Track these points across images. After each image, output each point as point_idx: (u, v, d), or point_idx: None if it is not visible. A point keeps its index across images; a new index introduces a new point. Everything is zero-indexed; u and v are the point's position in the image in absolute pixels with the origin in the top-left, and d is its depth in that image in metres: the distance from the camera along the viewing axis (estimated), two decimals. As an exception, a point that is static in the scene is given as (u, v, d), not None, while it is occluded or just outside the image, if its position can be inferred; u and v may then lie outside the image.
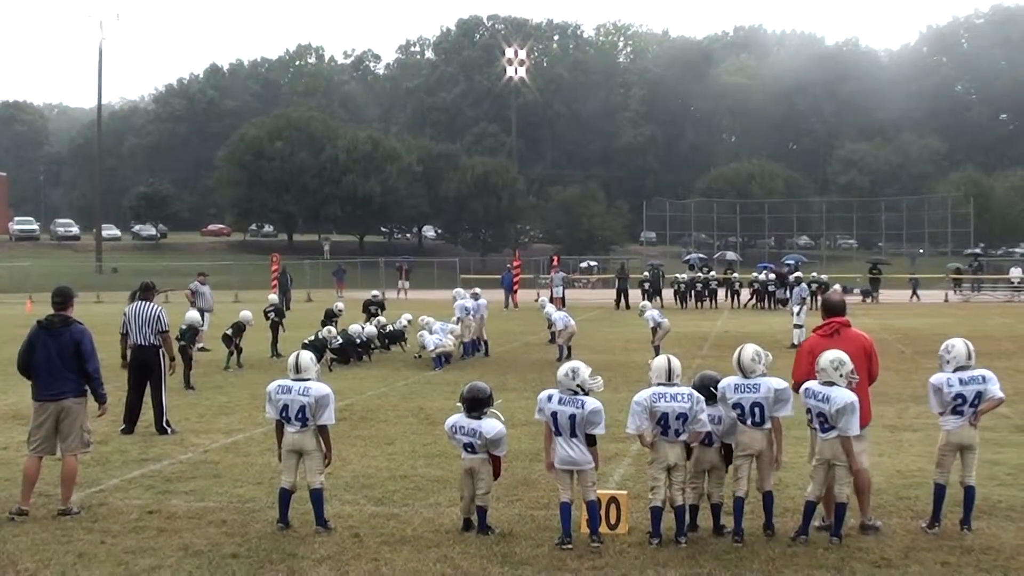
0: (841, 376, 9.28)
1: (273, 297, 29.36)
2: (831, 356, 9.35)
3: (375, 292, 35.64)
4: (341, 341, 24.54)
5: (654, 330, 25.81)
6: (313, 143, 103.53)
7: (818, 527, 9.69)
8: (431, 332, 25.04)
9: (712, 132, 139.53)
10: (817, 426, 9.34)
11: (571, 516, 9.27)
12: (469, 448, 9.67)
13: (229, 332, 24.21)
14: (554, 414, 9.26)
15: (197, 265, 57.60)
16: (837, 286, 51.97)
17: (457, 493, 10.43)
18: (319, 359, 18.80)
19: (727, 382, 9.69)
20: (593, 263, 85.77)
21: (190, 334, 21.06)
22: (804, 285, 33.52)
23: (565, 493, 9.26)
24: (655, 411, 9.28)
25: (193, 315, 22.44)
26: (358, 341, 25.48)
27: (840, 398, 9.21)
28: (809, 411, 9.37)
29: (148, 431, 15.34)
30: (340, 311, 28.86)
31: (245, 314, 24.81)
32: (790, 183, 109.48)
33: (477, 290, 28.14)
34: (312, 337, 23.93)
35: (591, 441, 9.28)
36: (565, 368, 9.42)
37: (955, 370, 9.71)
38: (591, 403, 9.25)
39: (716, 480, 9.77)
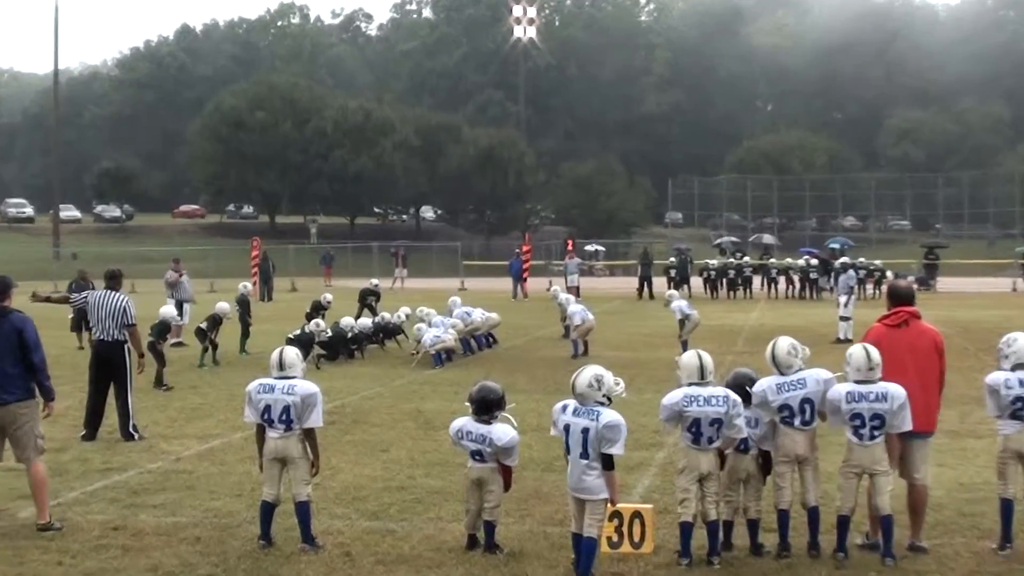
0: (872, 370, 9.31)
1: (246, 286, 29.23)
2: (865, 354, 9.35)
3: (374, 281, 35.66)
4: (330, 335, 24.53)
5: (681, 323, 25.76)
6: (297, 114, 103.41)
7: (860, 545, 9.67)
8: (430, 325, 25.01)
9: (745, 99, 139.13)
10: (867, 432, 9.28)
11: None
12: (477, 456, 9.62)
13: (203, 326, 24.22)
14: (567, 427, 8.91)
15: (168, 251, 57.77)
16: (889, 273, 52.06)
17: (461, 507, 10.39)
18: (305, 355, 18.84)
19: (766, 384, 9.63)
20: (599, 247, 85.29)
21: (159, 330, 21.05)
22: (851, 272, 33.47)
23: (575, 522, 8.99)
24: (685, 416, 9.21)
25: (167, 311, 22.43)
26: (349, 335, 25.47)
27: (899, 391, 9.23)
28: (856, 417, 9.28)
29: (112, 437, 15.32)
30: (328, 303, 28.85)
31: (222, 306, 24.81)
32: (834, 156, 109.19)
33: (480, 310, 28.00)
34: (298, 331, 23.92)
35: (607, 463, 8.78)
36: (587, 376, 8.92)
37: (1014, 368, 9.64)
38: (608, 415, 8.76)
39: (753, 491, 9.71)
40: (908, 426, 9.29)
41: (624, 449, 8.88)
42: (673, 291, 29.98)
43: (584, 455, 8.77)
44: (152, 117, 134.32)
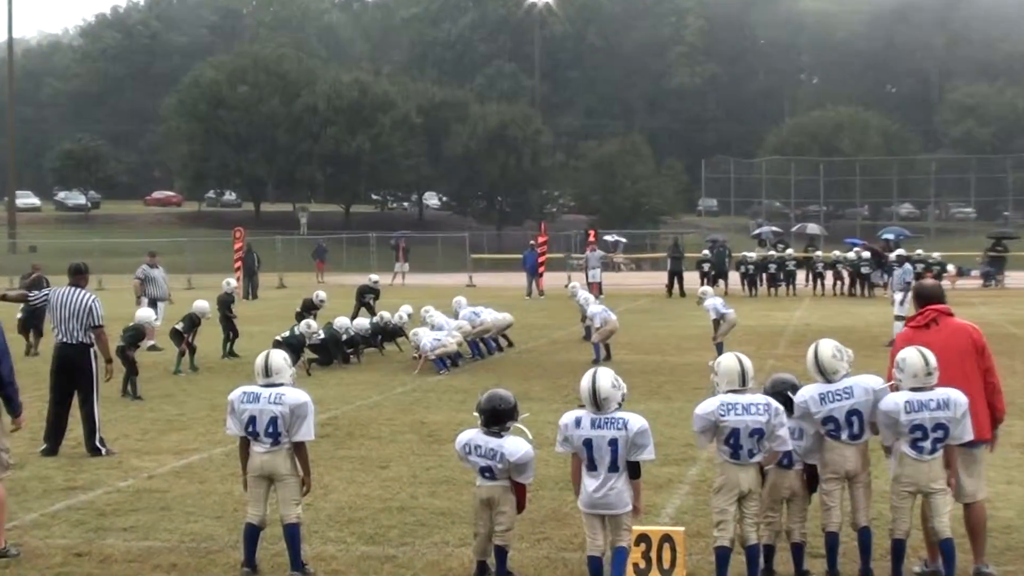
0: (929, 375, 9.30)
1: (229, 282, 29.25)
2: (920, 358, 9.32)
3: (372, 276, 35.66)
4: (323, 337, 24.54)
5: (716, 323, 25.74)
6: (286, 88, 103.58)
7: (919, 573, 9.67)
8: (432, 328, 24.97)
9: (788, 72, 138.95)
10: (928, 445, 9.26)
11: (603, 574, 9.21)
12: (487, 473, 9.60)
13: (180, 327, 24.23)
14: (588, 442, 9.07)
15: (140, 244, 57.94)
16: (951, 267, 51.96)
17: (469, 530, 10.38)
18: (295, 360, 18.85)
19: (808, 394, 9.61)
20: (620, 238, 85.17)
21: (132, 335, 21.03)
22: (908, 266, 33.26)
23: (595, 544, 9.11)
24: (723, 427, 9.20)
25: (145, 314, 22.45)
26: (344, 337, 25.48)
27: (960, 397, 9.24)
28: (917, 428, 9.26)
29: (76, 452, 15.34)
30: (321, 302, 28.86)
31: (200, 304, 24.79)
32: (888, 136, 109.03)
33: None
34: (286, 333, 23.93)
35: (634, 472, 9.14)
36: (608, 377, 9.18)
37: None
38: (636, 420, 9.08)
39: (798, 512, 9.69)
40: (970, 435, 9.29)
41: (655, 454, 9.25)
42: (707, 287, 29.99)
43: (614, 468, 9.01)
44: (121, 92, 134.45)
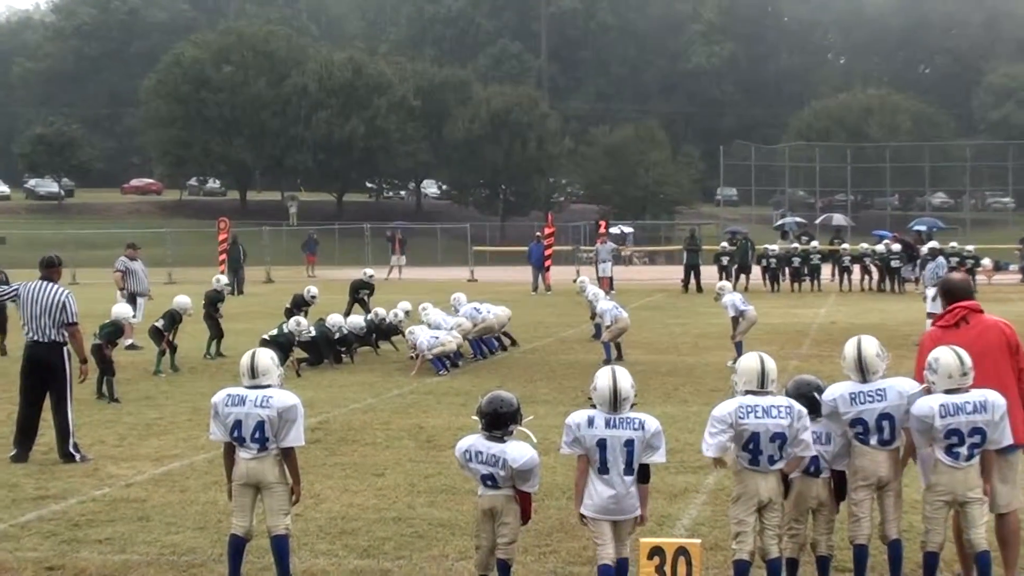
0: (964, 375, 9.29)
1: (220, 279, 29.28)
2: (955, 358, 9.31)
3: (367, 271, 35.62)
4: (314, 335, 24.54)
5: (735, 321, 25.71)
6: (274, 68, 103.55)
7: (952, 588, 9.67)
8: (430, 326, 24.96)
9: (814, 51, 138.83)
10: (965, 451, 9.26)
11: None
12: (489, 481, 9.59)
13: (160, 324, 24.20)
14: (602, 442, 9.17)
15: (116, 235, 57.93)
16: (987, 261, 51.89)
17: (470, 542, 10.38)
18: (284, 359, 18.83)
19: (838, 392, 9.61)
20: (627, 229, 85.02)
21: (110, 332, 21.02)
22: (941, 260, 33.38)
23: (608, 551, 9.19)
24: (742, 431, 9.20)
25: (122, 310, 22.43)
26: (337, 336, 25.48)
27: (998, 399, 9.23)
28: (953, 433, 9.25)
29: (48, 458, 15.34)
30: (313, 298, 28.85)
31: (181, 300, 24.76)
32: (921, 120, 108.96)
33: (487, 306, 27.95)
34: (274, 331, 23.94)
35: (644, 476, 9.32)
36: (628, 378, 9.33)
37: None
38: (651, 421, 9.25)
39: (824, 523, 9.70)
40: (1009, 439, 9.29)
41: (666, 457, 9.47)
42: (725, 283, 29.94)
43: (628, 471, 9.14)
44: (96, 73, 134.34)
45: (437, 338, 23.97)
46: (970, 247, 53.04)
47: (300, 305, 28.02)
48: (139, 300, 30.10)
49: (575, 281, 35.68)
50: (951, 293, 10.23)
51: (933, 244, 43.90)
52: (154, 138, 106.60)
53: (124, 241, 33.32)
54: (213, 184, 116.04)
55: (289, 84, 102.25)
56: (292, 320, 24.53)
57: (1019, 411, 9.64)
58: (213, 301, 27.31)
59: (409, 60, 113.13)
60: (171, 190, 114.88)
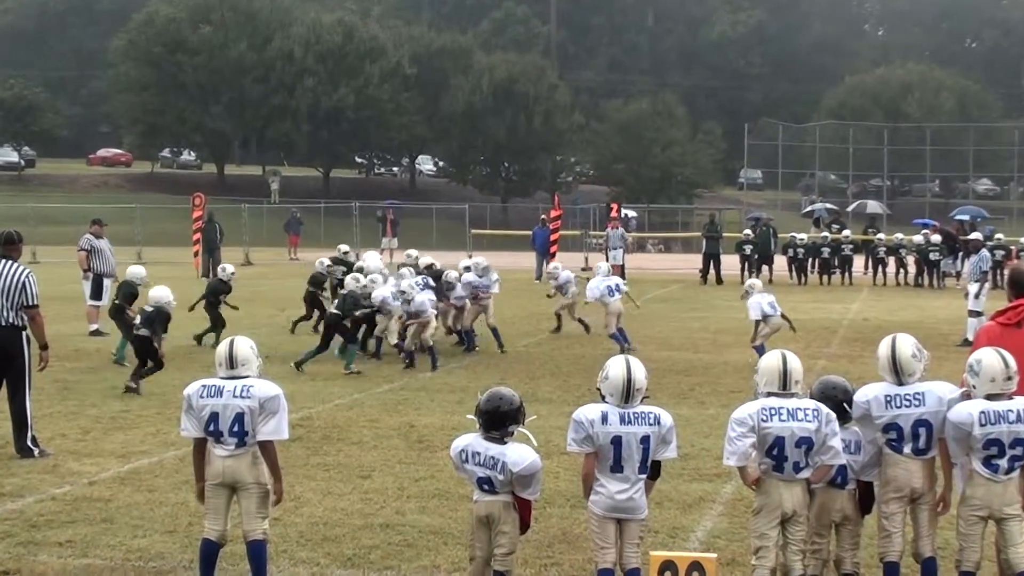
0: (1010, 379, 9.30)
1: (226, 268, 29.24)
2: (1000, 361, 9.31)
3: (343, 247, 35.28)
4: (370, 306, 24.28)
5: (757, 324, 25.62)
6: (256, 30, 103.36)
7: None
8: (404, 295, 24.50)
9: (849, 22, 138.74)
10: (1005, 464, 9.27)
11: None
12: (486, 485, 9.61)
13: (118, 300, 24.10)
14: (617, 440, 9.31)
15: (81, 210, 57.87)
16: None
17: (464, 553, 10.41)
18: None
19: (872, 393, 9.62)
20: (631, 213, 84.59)
21: (150, 318, 20.75)
22: (985, 252, 33.29)
23: (609, 555, 9.34)
24: (765, 435, 9.23)
25: (136, 271, 21.96)
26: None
27: None
28: (993, 443, 9.26)
29: (4, 452, 15.38)
30: (233, 275, 28.63)
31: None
32: (965, 99, 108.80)
33: (480, 260, 27.77)
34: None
35: (656, 472, 9.58)
36: (642, 368, 9.47)
37: None
38: (666, 415, 9.51)
39: (849, 538, 9.73)
40: None
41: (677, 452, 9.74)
42: (755, 280, 29.92)
43: (643, 468, 9.35)
44: (61, 33, 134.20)
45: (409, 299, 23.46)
46: (1021, 239, 52.81)
47: (319, 284, 28.08)
48: (105, 282, 29.90)
49: (584, 270, 35.63)
50: (1019, 285, 10.08)
51: (977, 235, 43.91)
52: (124, 104, 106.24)
53: (90, 217, 33.17)
54: (188, 156, 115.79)
55: (273, 48, 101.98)
56: (348, 277, 24.50)
57: None
58: (217, 292, 27.34)
59: (405, 24, 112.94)
60: (142, 162, 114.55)
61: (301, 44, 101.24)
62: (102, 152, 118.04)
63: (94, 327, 27.37)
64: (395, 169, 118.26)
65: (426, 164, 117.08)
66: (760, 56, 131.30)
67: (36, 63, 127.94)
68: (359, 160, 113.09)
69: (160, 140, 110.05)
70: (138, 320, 21.07)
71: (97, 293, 28.43)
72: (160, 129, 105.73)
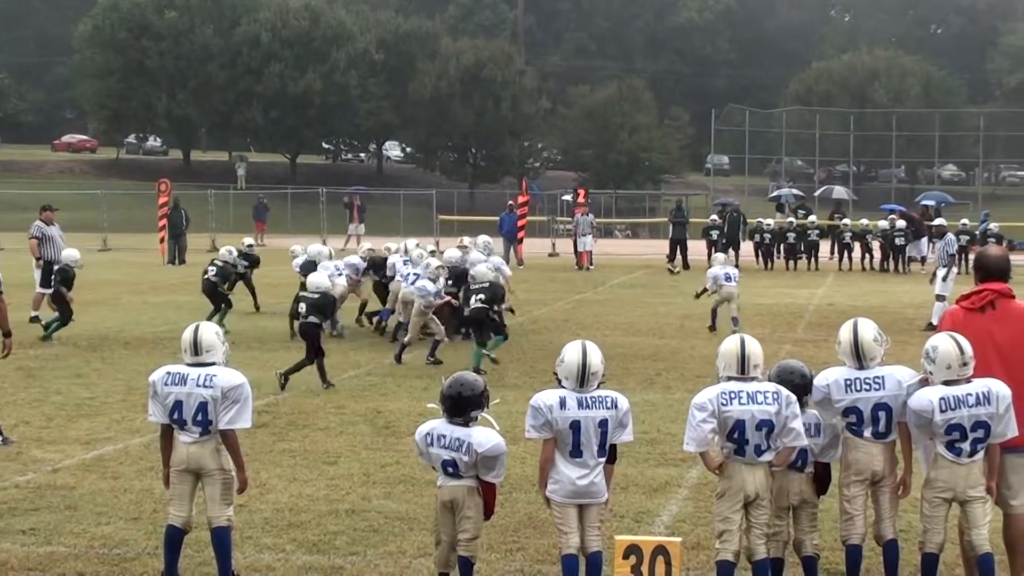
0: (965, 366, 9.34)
1: (231, 250, 29.13)
2: (955, 346, 9.35)
3: (247, 240, 34.84)
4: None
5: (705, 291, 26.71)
6: (222, 15, 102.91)
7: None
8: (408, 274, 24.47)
9: (816, 8, 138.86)
10: (967, 447, 9.32)
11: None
12: (450, 468, 9.60)
13: (58, 281, 24.48)
14: (575, 424, 9.34)
15: (45, 196, 57.32)
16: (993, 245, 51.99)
17: (429, 538, 10.42)
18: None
19: (832, 377, 9.69)
20: (567, 197, 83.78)
21: (319, 303, 20.39)
22: (950, 237, 33.42)
23: (572, 540, 9.38)
24: (725, 419, 9.28)
25: (319, 279, 21.46)
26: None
27: (1003, 389, 9.28)
28: (955, 428, 9.31)
29: (-31, 439, 15.33)
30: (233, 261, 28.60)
31: (70, 253, 24.92)
32: (931, 85, 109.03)
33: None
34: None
35: (613, 456, 9.62)
36: (597, 352, 9.53)
37: None
38: (622, 398, 9.57)
39: (807, 521, 9.79)
40: (1014, 431, 9.34)
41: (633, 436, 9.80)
42: (721, 254, 30.21)
43: (601, 452, 9.39)
44: (24, 17, 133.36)
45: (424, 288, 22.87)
46: (994, 225, 52.60)
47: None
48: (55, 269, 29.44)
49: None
50: (986, 270, 10.04)
51: (941, 221, 44.05)
52: (89, 90, 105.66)
53: (53, 203, 32.95)
54: (154, 142, 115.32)
55: (239, 33, 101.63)
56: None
57: None
58: (225, 277, 27.32)
59: (372, 9, 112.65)
60: (107, 148, 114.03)
61: (267, 29, 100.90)
62: (67, 138, 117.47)
63: (34, 314, 27.30)
64: (362, 155, 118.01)
65: (393, 150, 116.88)
66: (727, 42, 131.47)
67: (0, 49, 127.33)
68: (326, 146, 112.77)
69: (126, 126, 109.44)
70: (303, 308, 20.27)
71: (47, 280, 28.17)
72: (125, 115, 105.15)
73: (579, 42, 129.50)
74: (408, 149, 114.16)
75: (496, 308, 22.23)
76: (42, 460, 14.38)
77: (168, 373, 9.96)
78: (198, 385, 9.79)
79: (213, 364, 9.94)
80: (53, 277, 25.02)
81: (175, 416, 9.84)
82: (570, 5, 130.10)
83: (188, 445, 9.82)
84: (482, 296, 21.72)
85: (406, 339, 22.77)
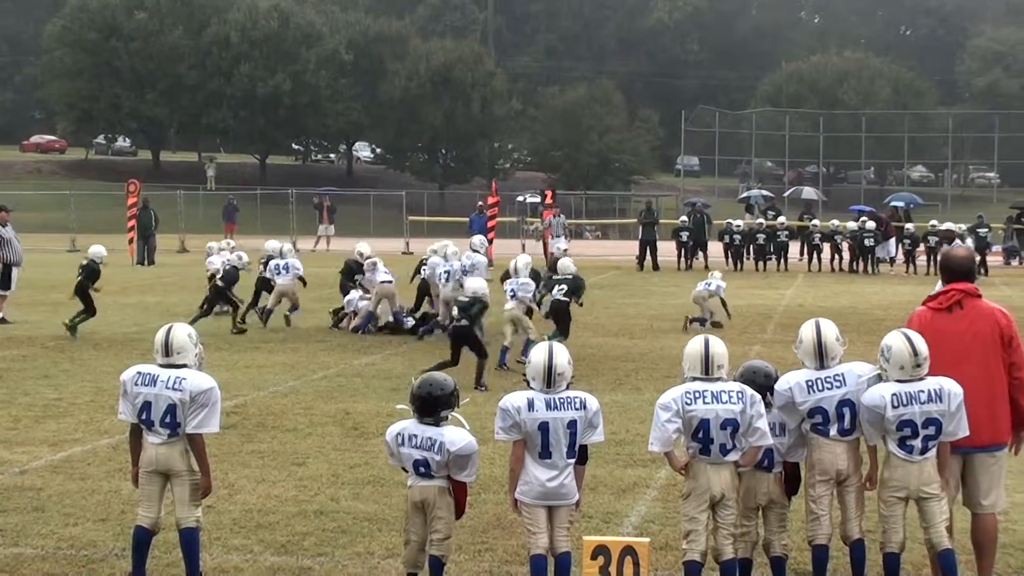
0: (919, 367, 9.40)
1: (242, 256, 29.06)
2: (907, 345, 9.40)
3: (230, 243, 34.71)
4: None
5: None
6: (192, 16, 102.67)
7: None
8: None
9: (786, 9, 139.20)
10: (918, 444, 9.37)
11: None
12: (421, 468, 9.58)
13: (81, 278, 24.91)
14: (544, 426, 9.34)
15: (14, 197, 57.18)
16: (965, 240, 52.20)
17: (399, 538, 10.42)
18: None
19: (793, 380, 9.74)
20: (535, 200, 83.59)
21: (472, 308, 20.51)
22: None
23: (541, 541, 9.39)
24: (690, 418, 9.31)
25: (478, 285, 21.27)
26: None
27: (954, 387, 9.33)
28: (906, 425, 9.36)
29: (-63, 441, 15.29)
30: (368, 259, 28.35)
31: (96, 249, 25.33)
32: (900, 87, 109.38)
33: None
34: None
35: (583, 457, 9.59)
36: (564, 352, 9.53)
37: None
38: (591, 399, 9.54)
39: (776, 521, 9.82)
40: (965, 431, 9.38)
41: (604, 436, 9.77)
42: (717, 272, 30.47)
43: (571, 453, 9.37)
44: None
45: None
46: (963, 225, 52.61)
47: (351, 274, 27.79)
48: (14, 271, 29.00)
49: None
50: (951, 270, 10.09)
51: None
52: (58, 90, 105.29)
53: (23, 203, 32.81)
54: (123, 143, 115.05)
55: (209, 33, 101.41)
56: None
57: (1004, 406, 9.70)
58: (231, 282, 27.31)
59: (341, 10, 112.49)
60: (76, 148, 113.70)
61: (237, 30, 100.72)
62: (36, 138, 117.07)
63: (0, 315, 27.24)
64: (332, 156, 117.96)
65: (363, 151, 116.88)
66: (697, 43, 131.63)
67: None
68: (295, 147, 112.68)
69: (94, 126, 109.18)
70: (455, 312, 20.85)
71: (5, 282, 28.00)
72: (95, 115, 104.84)
73: (549, 43, 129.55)
74: (378, 150, 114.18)
75: (579, 301, 23.62)
76: (9, 461, 14.33)
77: (139, 373, 9.94)
78: (167, 387, 9.77)
79: (184, 366, 9.92)
80: (78, 272, 25.23)
81: (143, 417, 9.82)
82: (540, 7, 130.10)
83: (157, 446, 9.80)
84: (564, 288, 22.91)
85: (505, 342, 22.61)
